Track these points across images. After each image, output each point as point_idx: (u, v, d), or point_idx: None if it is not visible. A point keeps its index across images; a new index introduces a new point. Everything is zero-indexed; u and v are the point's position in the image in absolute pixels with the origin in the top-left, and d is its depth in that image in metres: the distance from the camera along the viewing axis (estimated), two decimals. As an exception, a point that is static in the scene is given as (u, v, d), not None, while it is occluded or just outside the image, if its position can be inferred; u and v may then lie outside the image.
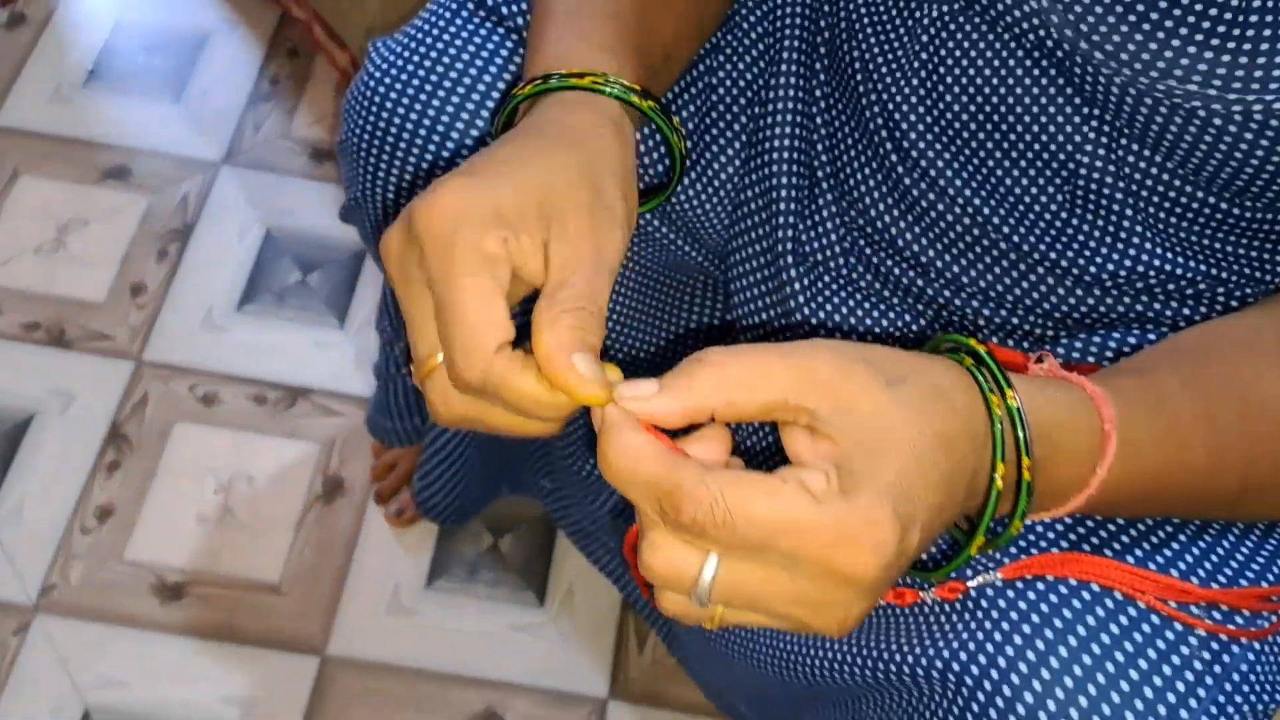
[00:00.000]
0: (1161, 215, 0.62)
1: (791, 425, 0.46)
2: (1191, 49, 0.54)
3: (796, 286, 0.74)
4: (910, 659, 0.58)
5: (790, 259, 0.74)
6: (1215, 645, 0.53)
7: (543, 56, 0.61)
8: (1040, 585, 0.55)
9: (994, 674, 0.54)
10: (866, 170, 0.72)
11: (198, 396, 1.40)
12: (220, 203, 1.56)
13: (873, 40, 0.70)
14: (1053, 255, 0.66)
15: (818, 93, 0.75)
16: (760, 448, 0.77)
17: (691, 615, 0.46)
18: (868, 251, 0.73)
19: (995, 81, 0.64)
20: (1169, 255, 0.64)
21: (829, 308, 0.74)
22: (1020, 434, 0.48)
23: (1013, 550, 0.57)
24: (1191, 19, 0.54)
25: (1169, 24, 0.55)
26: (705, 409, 0.46)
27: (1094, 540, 0.57)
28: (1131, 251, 0.64)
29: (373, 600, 1.28)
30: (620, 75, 0.59)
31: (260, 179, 1.59)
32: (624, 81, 0.59)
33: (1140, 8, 0.55)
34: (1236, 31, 0.53)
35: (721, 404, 0.46)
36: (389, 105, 0.74)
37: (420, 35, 0.75)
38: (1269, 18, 0.52)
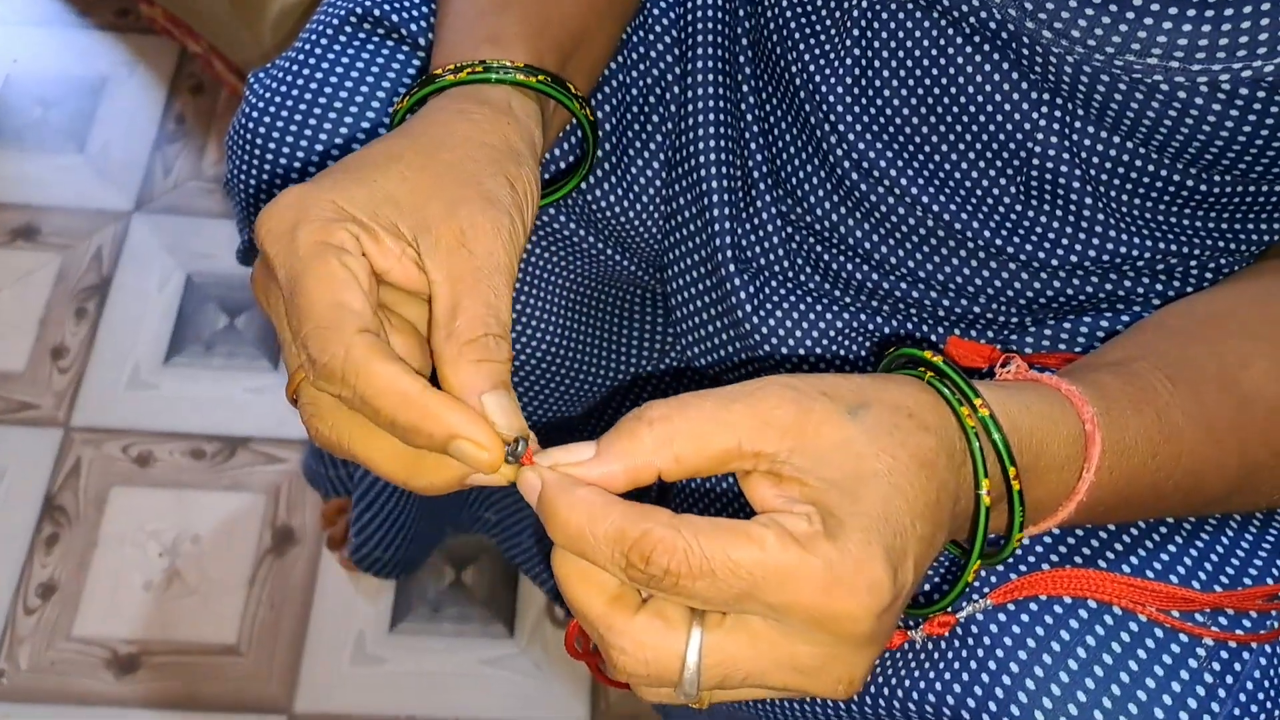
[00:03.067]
0: (1124, 199, 0.59)
1: (751, 474, 0.43)
2: (1149, 20, 0.51)
3: (742, 295, 0.70)
4: (900, 694, 0.54)
5: (732, 266, 0.71)
6: (1225, 654, 0.50)
7: (434, 62, 0.58)
8: (1033, 606, 0.52)
9: (993, 705, 0.51)
10: (809, 167, 0.68)
11: (132, 457, 1.34)
12: (136, 253, 1.51)
13: (798, 36, 0.66)
14: (1010, 248, 0.62)
15: (745, 88, 0.71)
16: (712, 489, 0.72)
17: (678, 702, 0.43)
18: (817, 249, 0.70)
19: (935, 71, 0.60)
20: (1134, 240, 0.60)
21: (779, 314, 0.70)
22: (999, 442, 0.45)
23: (1000, 569, 0.54)
24: None
25: None
26: (650, 468, 0.42)
27: (1084, 552, 0.53)
28: (1095, 240, 0.61)
29: (336, 651, 1.24)
30: (508, 59, 0.56)
31: (175, 223, 1.53)
32: (507, 63, 0.55)
33: None
34: None
35: (669, 461, 0.42)
36: (273, 140, 0.68)
37: (301, 58, 0.69)
38: None
